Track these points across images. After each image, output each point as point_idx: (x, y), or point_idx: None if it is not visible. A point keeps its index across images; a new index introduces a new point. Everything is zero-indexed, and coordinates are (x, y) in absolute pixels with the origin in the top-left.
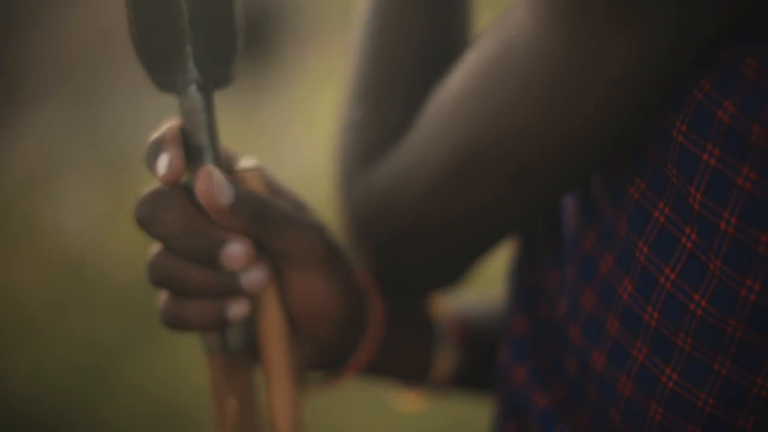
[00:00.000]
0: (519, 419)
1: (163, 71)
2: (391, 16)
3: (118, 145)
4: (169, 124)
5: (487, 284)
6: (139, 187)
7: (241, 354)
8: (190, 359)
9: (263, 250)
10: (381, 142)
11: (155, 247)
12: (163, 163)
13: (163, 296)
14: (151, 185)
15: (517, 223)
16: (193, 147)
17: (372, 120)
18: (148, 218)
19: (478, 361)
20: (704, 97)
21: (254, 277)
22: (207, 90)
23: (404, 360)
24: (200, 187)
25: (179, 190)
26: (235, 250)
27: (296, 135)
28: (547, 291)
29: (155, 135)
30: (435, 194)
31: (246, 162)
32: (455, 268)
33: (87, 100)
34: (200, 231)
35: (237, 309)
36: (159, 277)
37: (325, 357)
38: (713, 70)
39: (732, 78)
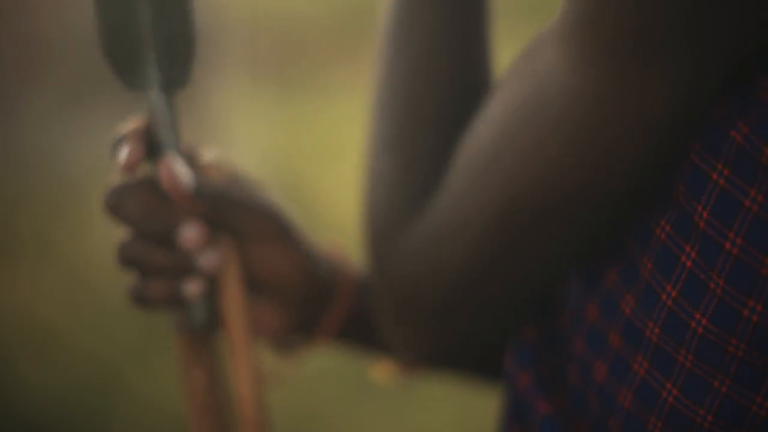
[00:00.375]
0: (523, 423)
1: (128, 74)
2: (415, 64)
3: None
4: (135, 120)
5: None
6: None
7: (206, 330)
8: None
9: (224, 230)
10: (416, 197)
11: (123, 233)
12: (123, 154)
13: (131, 277)
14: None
15: (569, 259)
16: (156, 142)
17: (403, 174)
18: (115, 205)
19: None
20: (719, 116)
21: (209, 257)
22: (168, 91)
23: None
24: (162, 173)
25: (144, 181)
26: (191, 233)
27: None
28: (555, 300)
29: (121, 130)
30: (486, 251)
31: (207, 152)
32: (508, 323)
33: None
34: (160, 216)
35: (192, 287)
36: (126, 259)
37: (300, 319)
38: (729, 91)
39: (747, 99)
